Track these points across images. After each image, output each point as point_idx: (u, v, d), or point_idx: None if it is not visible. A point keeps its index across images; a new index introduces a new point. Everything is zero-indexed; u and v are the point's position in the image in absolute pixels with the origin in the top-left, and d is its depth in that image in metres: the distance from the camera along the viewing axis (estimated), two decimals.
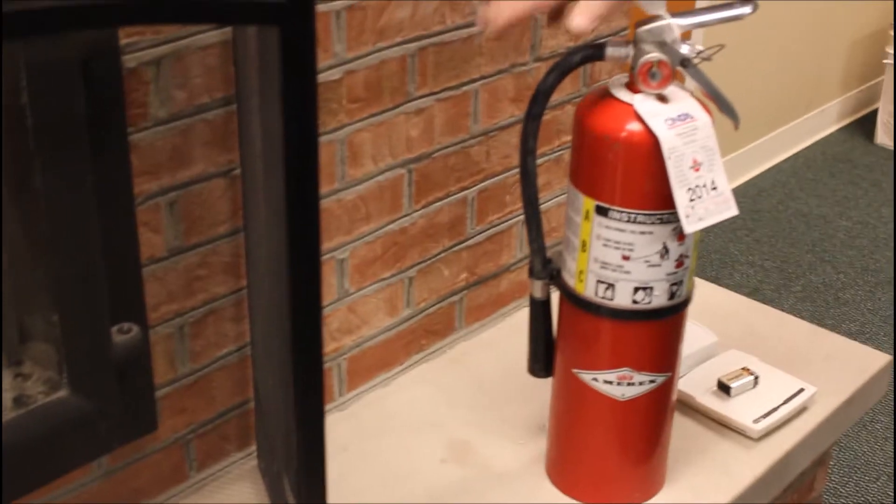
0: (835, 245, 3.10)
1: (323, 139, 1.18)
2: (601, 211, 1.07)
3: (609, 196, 1.06)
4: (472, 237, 1.43)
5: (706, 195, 1.04)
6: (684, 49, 1.01)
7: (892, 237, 3.16)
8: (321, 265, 0.95)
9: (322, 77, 1.15)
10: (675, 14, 1.03)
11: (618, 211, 1.06)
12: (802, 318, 2.76)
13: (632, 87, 1.05)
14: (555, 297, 1.15)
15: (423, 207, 1.34)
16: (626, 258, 1.07)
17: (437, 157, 1.32)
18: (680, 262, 1.08)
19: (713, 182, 1.04)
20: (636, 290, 1.08)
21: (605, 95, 1.06)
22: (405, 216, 1.32)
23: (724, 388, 1.36)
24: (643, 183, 1.05)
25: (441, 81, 1.28)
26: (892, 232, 3.04)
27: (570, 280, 1.12)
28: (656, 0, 1.02)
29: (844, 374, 1.45)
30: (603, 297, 1.09)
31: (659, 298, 1.09)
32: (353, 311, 1.31)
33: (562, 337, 1.16)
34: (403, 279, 1.36)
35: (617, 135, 1.03)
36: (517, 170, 1.44)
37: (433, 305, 1.41)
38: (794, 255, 3.04)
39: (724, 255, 3.07)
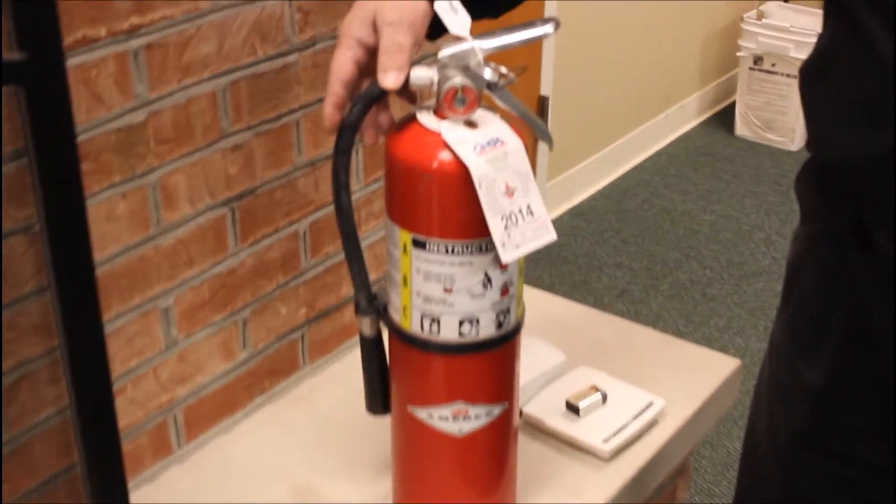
0: (700, 240, 3.13)
1: (132, 185, 1.12)
2: (418, 244, 1.04)
3: (425, 228, 1.03)
4: (308, 271, 1.38)
5: (522, 221, 1.01)
6: (487, 73, 0.99)
7: (754, 229, 3.21)
8: (104, 337, 0.89)
9: (125, 120, 1.09)
10: (477, 36, 1.00)
11: (434, 243, 1.03)
12: (671, 316, 2.79)
13: (439, 113, 1.02)
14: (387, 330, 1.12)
15: (251, 245, 1.29)
16: (448, 291, 1.04)
17: (261, 193, 1.28)
18: (505, 291, 1.06)
19: (529, 207, 1.01)
20: (461, 322, 1.05)
21: (413, 123, 1.02)
22: (232, 256, 1.27)
23: (572, 409, 1.34)
24: (457, 213, 1.01)
25: (258, 114, 1.24)
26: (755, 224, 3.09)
27: (396, 316, 1.08)
28: (458, 21, 0.99)
29: (694, 383, 1.45)
30: (429, 333, 1.06)
31: (486, 329, 1.06)
32: (184, 360, 1.25)
33: (394, 373, 1.12)
34: (237, 321, 1.30)
35: (426, 165, 1.00)
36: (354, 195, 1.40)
37: (272, 345, 1.37)
38: (660, 254, 3.06)
39: (592, 259, 3.08)
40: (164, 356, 1.23)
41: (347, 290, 1.45)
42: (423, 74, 1.00)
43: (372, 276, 1.48)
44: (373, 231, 1.46)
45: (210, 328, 1.27)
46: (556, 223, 3.22)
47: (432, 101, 1.03)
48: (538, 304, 1.59)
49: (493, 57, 1.00)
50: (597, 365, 1.44)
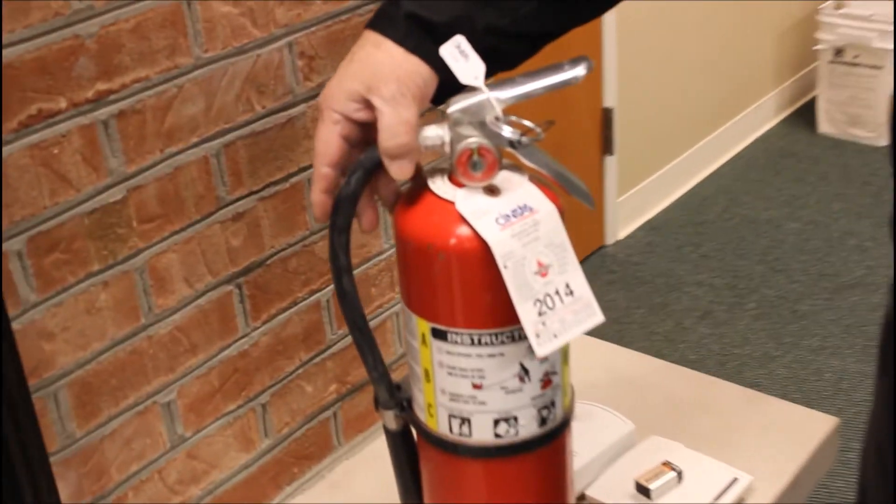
0: (786, 251, 2.92)
1: (115, 271, 0.98)
2: (438, 334, 0.87)
3: (445, 316, 0.86)
4: (336, 343, 1.23)
5: (560, 304, 0.84)
6: (507, 130, 0.82)
7: (845, 236, 2.99)
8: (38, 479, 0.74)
9: (99, 200, 0.95)
10: (494, 86, 0.83)
11: (457, 333, 0.87)
12: (759, 338, 2.59)
13: (454, 178, 0.85)
14: None
15: (265, 323, 1.14)
16: (477, 387, 0.88)
17: (272, 264, 1.12)
18: (547, 382, 0.89)
19: (567, 286, 0.84)
20: (497, 422, 0.88)
21: (424, 192, 0.86)
22: (243, 338, 1.12)
23: (643, 491, 1.16)
24: (482, 298, 0.85)
25: (261, 177, 1.09)
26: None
27: (421, 413, 0.92)
28: (469, 68, 0.82)
29: (785, 450, 1.26)
30: (459, 434, 0.89)
31: (527, 428, 0.89)
32: (194, 457, 1.11)
33: (425, 474, 0.96)
34: (254, 408, 1.15)
35: (441, 243, 0.84)
36: (378, 258, 1.25)
37: (300, 428, 1.21)
38: (744, 268, 2.85)
39: (670, 277, 2.88)
40: (170, 456, 1.08)
41: (386, 356, 1.29)
42: (431, 134, 0.84)
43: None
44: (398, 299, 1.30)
45: (223, 419, 1.12)
46: (630, 241, 3.03)
47: (446, 165, 0.86)
48: (601, 357, 1.42)
49: (517, 107, 0.84)
50: (671, 431, 1.26)
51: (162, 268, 1.02)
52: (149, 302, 1.02)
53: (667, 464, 1.19)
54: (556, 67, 0.84)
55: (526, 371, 0.87)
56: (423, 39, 0.81)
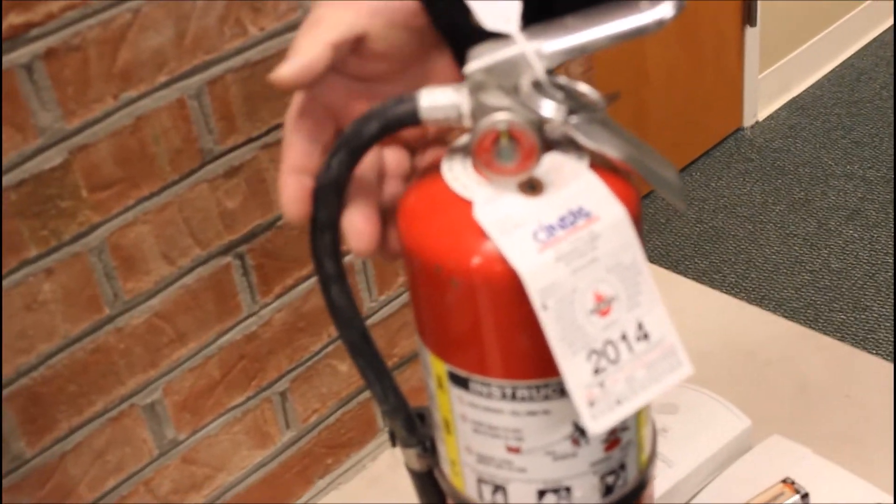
0: None
1: (61, 255, 0.76)
2: (458, 381, 0.62)
3: (465, 360, 0.61)
4: (376, 311, 1.00)
5: (627, 354, 0.58)
6: (551, 104, 0.55)
7: None
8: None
9: (27, 169, 0.72)
10: (535, 32, 0.56)
11: (483, 383, 0.61)
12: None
13: (477, 167, 0.59)
14: None
15: (279, 297, 0.91)
16: (514, 450, 0.63)
17: (285, 225, 0.89)
18: (614, 442, 0.63)
19: (640, 326, 0.58)
20: (542, 493, 0.64)
21: (436, 183, 0.60)
22: (249, 317, 0.89)
23: None
24: (516, 340, 0.59)
25: (263, 119, 0.84)
26: None
27: (446, 467, 0.68)
28: (497, 6, 0.55)
29: None
30: (492, 502, 0.65)
31: (585, 499, 0.64)
32: (192, 462, 0.90)
33: None
34: (270, 397, 0.94)
35: (452, 265, 0.58)
36: None
37: (333, 413, 1.00)
38: None
39: (816, 168, 2.53)
40: (160, 464, 0.88)
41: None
42: (442, 102, 0.57)
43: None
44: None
45: (229, 415, 0.91)
46: (771, 122, 2.69)
47: (468, 140, 0.60)
48: (707, 311, 1.15)
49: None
50: (799, 428, 1.00)
51: (129, 244, 0.79)
52: (114, 287, 0.80)
53: (788, 482, 0.93)
54: (624, 4, 0.56)
55: (582, 432, 0.62)
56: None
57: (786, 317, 1.09)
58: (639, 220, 0.57)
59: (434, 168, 0.60)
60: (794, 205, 2.39)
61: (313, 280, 0.92)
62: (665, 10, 0.55)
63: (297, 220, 0.58)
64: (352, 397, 1.00)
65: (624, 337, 0.57)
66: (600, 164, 0.58)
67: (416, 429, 0.70)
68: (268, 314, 0.90)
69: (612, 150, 0.57)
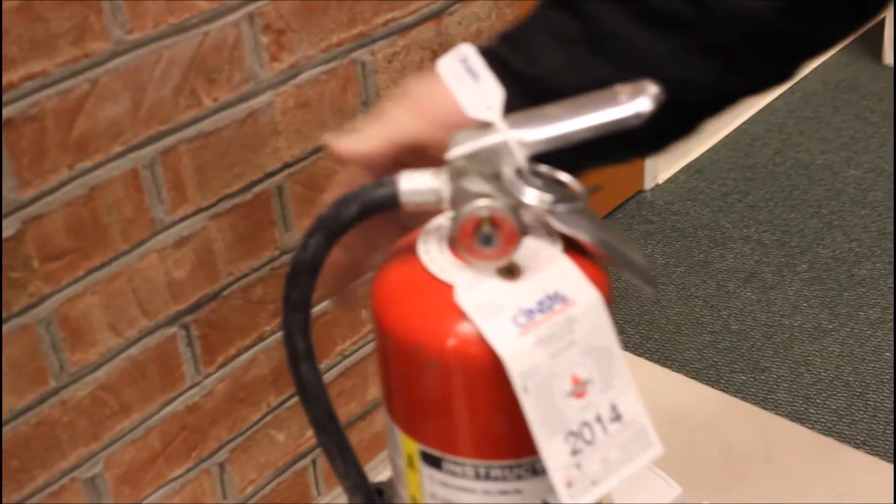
0: (844, 203, 2.63)
1: (10, 325, 0.74)
2: (431, 461, 0.62)
3: (439, 440, 0.61)
4: None
5: (602, 435, 0.59)
6: (531, 192, 0.56)
7: None
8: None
9: None
10: (517, 121, 0.57)
11: (456, 463, 0.62)
12: (811, 307, 2.32)
13: (455, 250, 0.60)
14: None
15: (221, 367, 0.90)
16: None
17: (229, 295, 0.88)
18: None
19: (613, 408, 0.59)
20: None
21: (411, 263, 0.60)
22: (192, 388, 0.88)
23: None
24: (491, 421, 0.60)
25: (214, 189, 0.84)
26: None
27: None
28: (480, 95, 0.56)
29: None
30: None
31: None
32: None
33: None
34: (210, 468, 0.92)
35: (431, 347, 0.58)
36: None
37: (269, 483, 0.99)
38: (797, 222, 2.58)
39: (714, 231, 2.60)
40: None
41: (375, 392, 1.05)
42: (421, 186, 0.58)
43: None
44: None
45: (168, 486, 0.90)
46: (671, 185, 2.76)
47: (446, 221, 0.61)
48: (640, 381, 1.17)
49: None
50: (728, 494, 1.02)
51: (77, 315, 0.78)
52: (60, 359, 0.78)
53: None
54: (603, 95, 0.57)
55: None
56: (509, 90, 0.55)
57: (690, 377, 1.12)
58: (610, 304, 0.59)
59: (407, 249, 0.61)
60: (694, 266, 2.45)
61: (255, 349, 0.92)
62: (642, 105, 0.57)
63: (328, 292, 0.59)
64: (287, 467, 0.99)
65: (598, 419, 0.58)
66: (572, 248, 0.59)
67: (376, 501, 0.70)
68: (210, 384, 0.89)
69: (585, 236, 0.58)
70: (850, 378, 2.13)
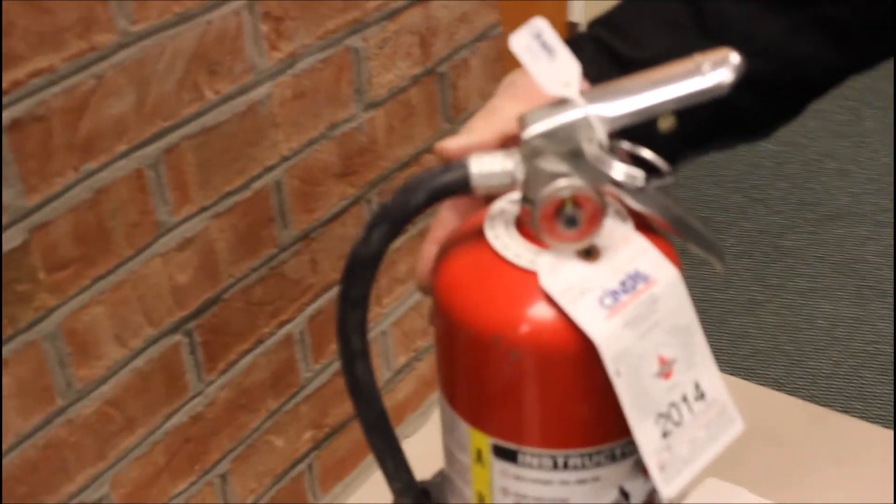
0: (764, 177, 2.67)
1: (15, 344, 0.69)
2: (505, 454, 0.59)
3: (516, 432, 0.59)
4: (312, 381, 0.95)
5: (689, 414, 0.57)
6: (617, 166, 0.54)
7: (824, 158, 2.77)
8: None
9: None
10: (595, 96, 0.55)
11: (534, 455, 0.59)
12: (743, 280, 2.35)
13: (525, 231, 0.57)
14: None
15: (223, 374, 0.86)
16: None
17: (230, 298, 0.84)
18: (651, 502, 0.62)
19: (697, 387, 0.57)
20: None
21: (483, 250, 0.58)
22: (195, 397, 0.84)
23: None
24: (574, 410, 0.57)
25: (216, 187, 0.80)
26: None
27: None
28: (556, 71, 0.54)
29: (873, 487, 1.02)
30: None
31: None
32: None
33: None
34: (212, 481, 0.88)
35: (514, 336, 0.55)
36: None
37: (269, 491, 0.95)
38: (720, 198, 2.61)
39: None
40: None
41: None
42: (493, 168, 0.55)
43: (402, 359, 1.05)
44: (399, 302, 1.03)
45: (174, 501, 0.85)
46: None
47: (509, 203, 0.58)
48: None
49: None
50: (730, 467, 1.02)
51: (83, 328, 0.73)
52: (66, 376, 0.73)
53: None
54: (684, 66, 0.55)
55: (626, 496, 0.61)
56: (611, 73, 0.53)
57: None
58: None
59: (471, 235, 0.58)
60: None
61: (255, 353, 0.88)
62: (723, 75, 0.55)
63: (424, 286, 0.56)
64: (286, 472, 0.95)
65: (685, 398, 0.56)
66: (641, 225, 0.57)
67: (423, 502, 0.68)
68: (213, 392, 0.85)
69: (660, 212, 0.56)
70: (788, 347, 2.16)
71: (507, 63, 1.06)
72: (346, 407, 1.00)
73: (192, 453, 0.84)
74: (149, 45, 0.70)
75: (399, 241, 0.99)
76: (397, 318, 1.02)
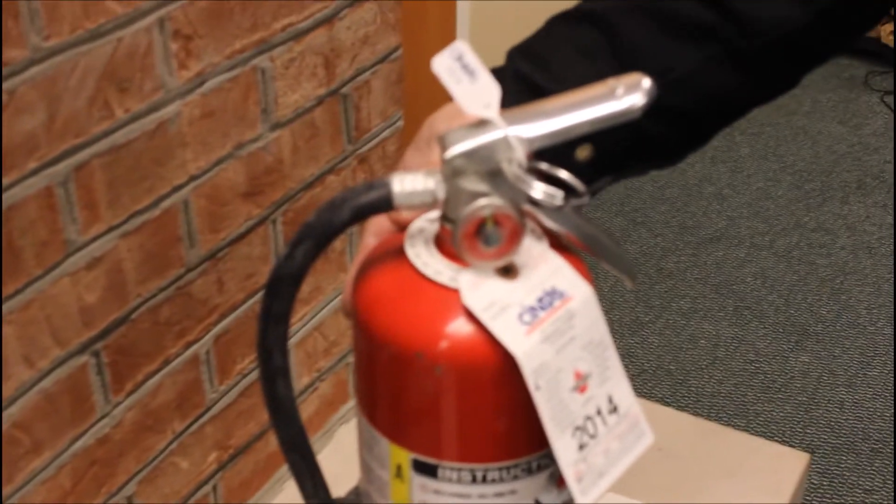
0: (644, 201, 2.75)
1: None
2: (424, 468, 0.61)
3: (435, 446, 0.60)
4: (217, 402, 0.95)
5: (603, 427, 0.59)
6: (536, 185, 0.56)
7: (702, 182, 2.86)
8: None
9: None
10: (513, 118, 0.57)
11: (453, 469, 0.60)
12: (627, 301, 2.41)
13: (445, 250, 0.59)
14: None
15: (130, 395, 0.85)
16: None
17: (138, 318, 0.83)
18: None
19: (610, 400, 0.60)
20: None
21: (404, 268, 0.59)
22: (102, 419, 0.83)
23: None
24: (493, 424, 0.59)
25: (124, 205, 0.79)
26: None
27: None
28: (477, 93, 0.56)
29: (761, 499, 1.07)
30: None
31: None
32: None
33: None
34: (119, 503, 0.87)
35: (437, 352, 0.57)
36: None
37: None
38: (603, 222, 2.68)
39: None
40: None
41: None
42: (415, 187, 0.57)
43: (304, 380, 1.05)
44: (302, 323, 1.03)
45: None
46: None
47: (428, 222, 0.60)
48: None
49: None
50: (624, 482, 1.05)
51: None
52: None
53: None
54: (599, 89, 0.58)
55: None
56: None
57: None
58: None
59: (390, 254, 0.60)
60: None
61: (161, 374, 0.87)
62: (636, 99, 0.58)
63: (348, 310, 0.58)
64: (191, 495, 0.95)
65: (599, 412, 0.59)
66: (556, 245, 0.60)
67: None
68: (119, 414, 0.84)
69: (574, 231, 0.59)
70: (672, 367, 2.23)
71: (407, 85, 1.08)
72: (249, 428, 1.00)
73: (98, 476, 0.83)
74: (60, 61, 0.69)
75: None
76: (300, 338, 1.03)
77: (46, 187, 0.71)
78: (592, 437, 0.59)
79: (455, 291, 0.56)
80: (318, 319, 1.04)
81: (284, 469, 1.06)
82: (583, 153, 0.57)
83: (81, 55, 0.71)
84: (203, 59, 0.81)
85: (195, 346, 0.90)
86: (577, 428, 0.58)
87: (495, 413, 0.58)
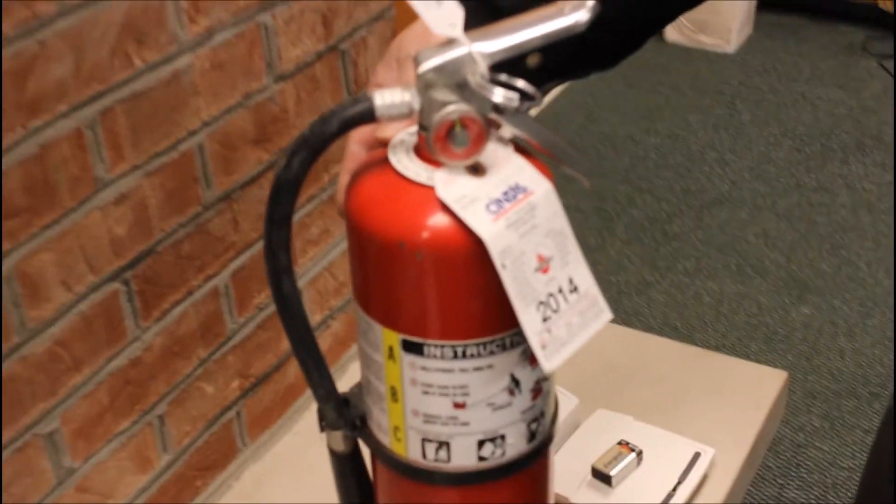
0: (648, 168, 2.83)
1: None
2: (411, 347, 0.71)
3: (421, 327, 0.70)
4: (237, 333, 1.05)
5: (565, 304, 0.68)
6: (497, 92, 0.65)
7: (705, 149, 2.93)
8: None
9: None
10: (477, 36, 0.66)
11: (436, 346, 0.70)
12: (634, 263, 2.50)
13: (424, 154, 0.68)
14: None
15: (158, 321, 0.95)
16: (460, 406, 0.72)
17: (163, 251, 0.93)
18: (538, 391, 0.74)
19: (571, 281, 0.69)
20: (482, 443, 0.73)
21: (386, 172, 0.68)
22: (133, 342, 0.92)
23: (602, 478, 1.03)
24: (469, 303, 0.69)
25: (146, 148, 0.89)
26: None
27: (384, 437, 0.76)
28: (443, 15, 0.65)
29: (741, 414, 1.15)
30: (436, 461, 0.73)
31: (515, 446, 0.74)
32: (86, 490, 0.92)
33: None
34: (151, 421, 0.97)
35: (417, 240, 0.66)
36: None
37: (202, 436, 1.03)
38: (608, 188, 2.76)
39: None
40: (58, 493, 0.89)
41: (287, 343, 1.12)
42: (395, 100, 0.66)
43: (317, 317, 1.15)
44: (313, 263, 1.12)
45: (116, 441, 0.93)
46: None
47: (408, 135, 0.69)
48: None
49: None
50: (616, 401, 1.14)
51: (34, 272, 0.81)
52: (21, 315, 0.81)
53: (623, 444, 1.06)
54: (550, 9, 0.67)
55: (517, 382, 0.72)
56: (488, 20, 0.67)
57: None
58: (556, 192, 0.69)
59: (375, 164, 0.70)
60: None
61: (184, 304, 0.97)
62: (581, 15, 0.68)
63: (341, 209, 0.69)
64: (217, 418, 1.04)
65: (561, 290, 0.68)
66: (518, 149, 0.69)
67: (344, 411, 0.79)
68: (149, 338, 0.93)
69: (535, 135, 0.69)
70: (677, 323, 2.31)
71: None
72: (268, 359, 1.09)
73: (132, 395, 0.93)
74: (84, 15, 0.79)
75: (310, 206, 1.09)
76: (312, 277, 1.12)
77: (76, 129, 0.81)
78: (555, 311, 0.68)
79: (431, 189, 0.66)
80: (329, 260, 1.13)
81: (303, 399, 1.15)
82: (532, 60, 0.66)
83: (100, 11, 0.80)
84: (211, 16, 0.90)
85: (214, 280, 0.99)
86: (541, 303, 0.67)
87: (470, 293, 0.67)
